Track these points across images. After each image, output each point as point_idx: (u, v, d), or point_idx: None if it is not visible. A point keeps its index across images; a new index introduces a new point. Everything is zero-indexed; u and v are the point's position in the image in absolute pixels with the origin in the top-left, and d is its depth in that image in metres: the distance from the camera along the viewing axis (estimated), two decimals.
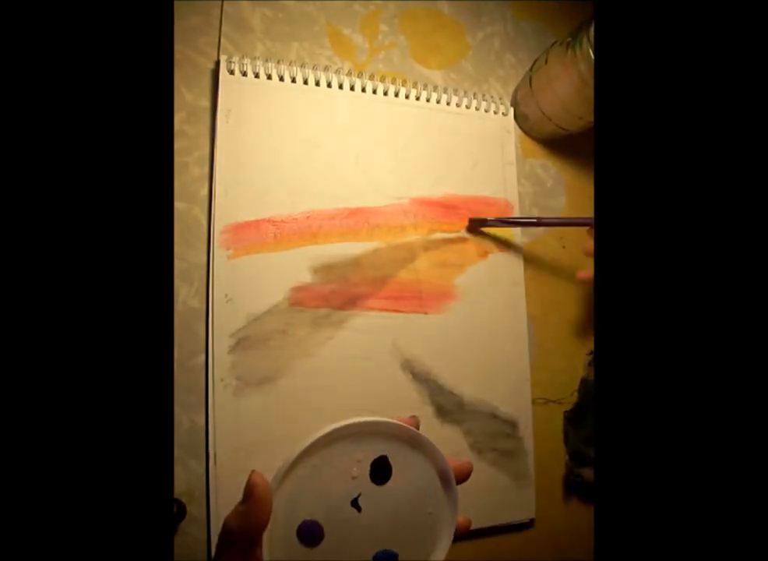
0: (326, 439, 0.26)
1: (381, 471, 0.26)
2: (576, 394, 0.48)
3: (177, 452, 0.35)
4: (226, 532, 0.23)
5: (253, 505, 0.23)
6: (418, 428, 0.27)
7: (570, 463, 0.45)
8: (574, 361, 0.49)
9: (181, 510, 0.35)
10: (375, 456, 0.26)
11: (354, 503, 0.25)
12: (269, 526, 0.23)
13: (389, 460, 0.26)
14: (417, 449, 0.27)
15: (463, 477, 0.28)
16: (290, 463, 0.25)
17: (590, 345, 0.49)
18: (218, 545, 0.23)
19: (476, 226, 0.46)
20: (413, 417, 0.30)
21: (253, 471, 0.25)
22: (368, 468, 0.26)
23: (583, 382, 0.48)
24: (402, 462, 0.26)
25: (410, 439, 0.27)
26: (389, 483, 0.26)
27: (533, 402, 0.46)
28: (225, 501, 0.35)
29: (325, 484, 0.25)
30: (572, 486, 0.46)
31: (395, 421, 0.26)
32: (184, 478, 0.35)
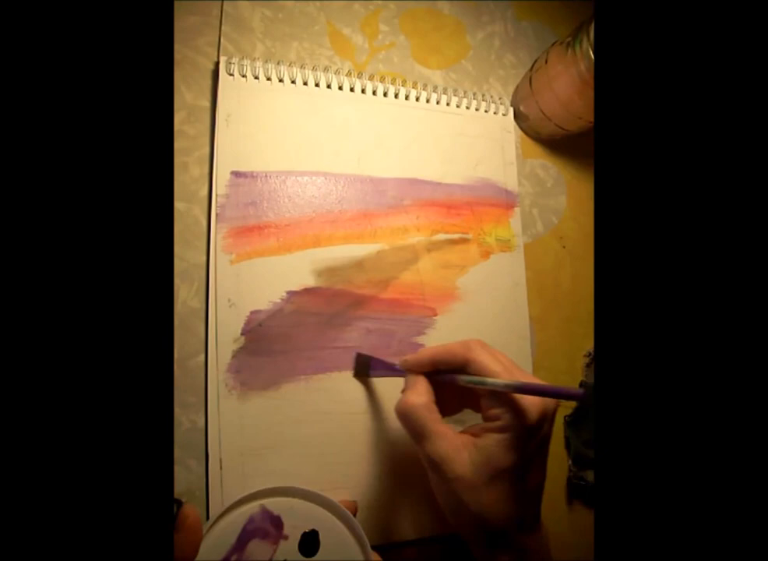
0: (264, 494, 0.26)
1: (310, 543, 0.27)
2: None
3: (177, 452, 0.35)
4: None
5: (184, 535, 0.24)
6: (355, 514, 0.28)
7: (573, 467, 0.45)
8: (574, 362, 0.49)
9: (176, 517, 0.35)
10: (308, 528, 0.27)
11: None
12: None
13: (320, 536, 0.27)
14: (349, 532, 0.27)
15: None
16: (225, 508, 0.26)
17: (590, 345, 0.49)
18: None
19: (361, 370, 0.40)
20: (354, 502, 0.31)
21: (185, 502, 0.26)
22: (298, 538, 0.26)
23: (582, 384, 0.48)
24: (332, 542, 0.27)
25: (343, 519, 0.27)
26: (316, 558, 0.26)
27: None
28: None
29: (255, 539, 0.26)
30: (575, 490, 0.46)
31: (333, 499, 0.27)
32: (184, 478, 0.35)
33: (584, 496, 0.46)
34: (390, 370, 0.37)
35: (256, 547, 0.26)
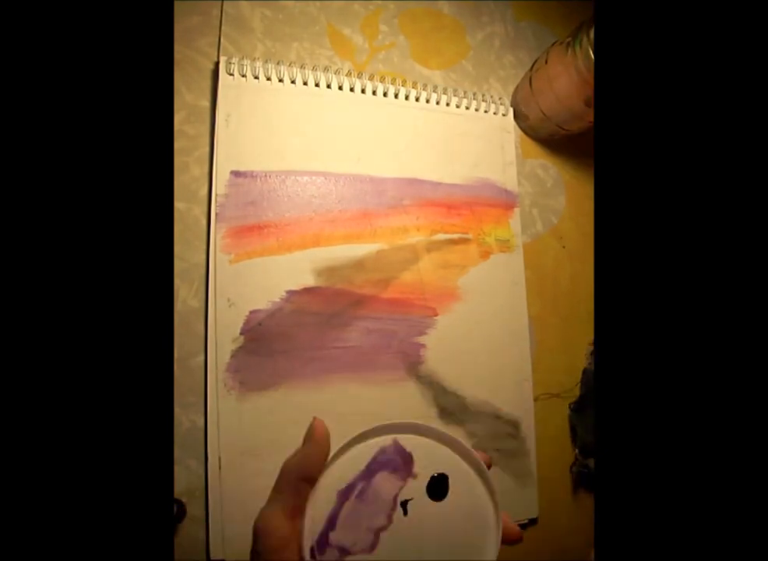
0: (399, 428, 0.26)
1: (438, 487, 0.26)
2: (578, 386, 0.48)
3: (177, 452, 0.35)
4: (284, 470, 0.24)
5: (313, 446, 0.24)
6: (489, 467, 0.27)
7: (579, 456, 0.45)
8: (574, 361, 0.49)
9: (181, 510, 0.35)
10: (438, 471, 0.26)
11: (404, 505, 0.25)
12: (317, 483, 0.23)
13: (449, 481, 0.26)
14: (481, 482, 0.26)
15: (510, 538, 0.27)
16: (358, 435, 0.25)
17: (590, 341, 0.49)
18: (276, 483, 0.24)
19: None
20: (490, 457, 0.29)
21: (315, 417, 0.25)
22: (427, 479, 0.26)
23: (585, 372, 0.48)
24: (462, 489, 0.26)
25: (478, 469, 0.26)
26: (444, 502, 0.26)
27: (537, 399, 0.46)
28: (230, 502, 0.35)
29: (385, 471, 0.25)
30: (579, 478, 0.46)
31: (470, 447, 0.26)
32: (184, 478, 0.35)
33: (588, 483, 0.47)
34: None
35: (384, 479, 0.25)
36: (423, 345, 0.42)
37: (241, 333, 0.37)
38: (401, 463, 0.26)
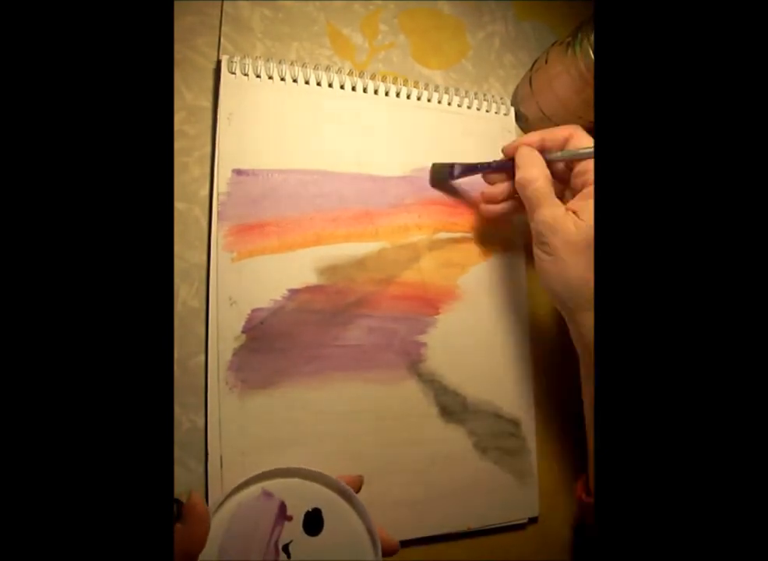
0: (264, 477, 0.26)
1: (314, 522, 0.27)
2: None
3: (177, 452, 0.35)
4: None
5: (193, 524, 0.24)
6: (359, 489, 0.28)
7: None
8: (574, 361, 0.49)
9: (181, 510, 0.35)
10: (310, 507, 0.27)
11: (285, 549, 0.26)
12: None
13: (323, 513, 0.27)
14: (352, 508, 0.28)
15: (388, 551, 0.29)
16: (227, 493, 0.26)
17: None
18: None
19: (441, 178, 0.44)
20: (359, 476, 0.31)
21: (192, 491, 0.26)
22: (302, 517, 0.26)
23: None
24: (336, 518, 0.27)
25: (345, 495, 0.28)
26: (322, 535, 0.26)
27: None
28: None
29: (258, 523, 0.26)
30: None
31: (332, 476, 0.27)
32: (184, 478, 0.35)
33: None
34: (479, 168, 0.42)
35: (261, 530, 0.26)
36: (424, 344, 0.42)
37: (242, 332, 0.37)
38: (274, 509, 0.26)
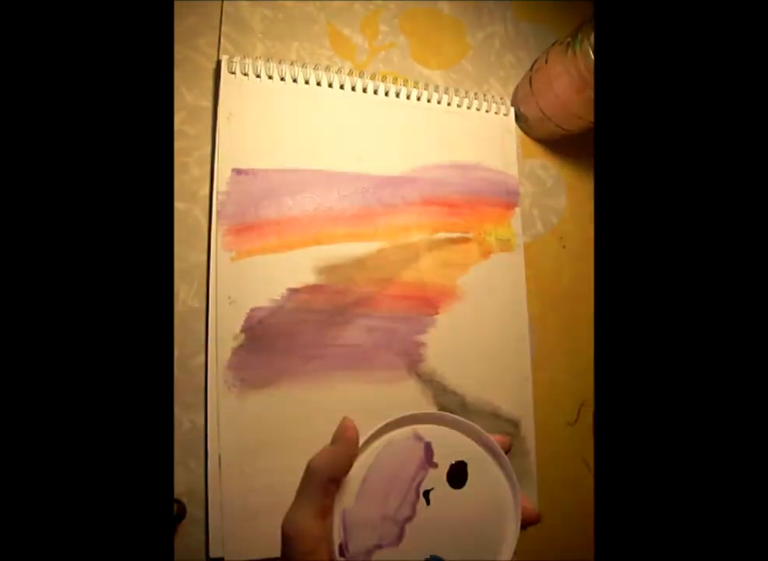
0: (414, 419, 0.26)
1: (458, 474, 0.26)
2: None
3: (177, 452, 0.35)
4: (312, 470, 0.23)
5: (343, 446, 0.24)
6: (508, 451, 0.27)
7: None
8: (573, 361, 0.49)
9: (181, 510, 0.35)
10: (457, 459, 0.26)
11: (426, 495, 0.25)
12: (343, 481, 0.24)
13: (468, 467, 0.26)
14: (499, 468, 0.27)
15: (530, 520, 0.27)
16: (378, 427, 0.25)
17: (590, 345, 0.49)
18: (301, 483, 0.23)
19: None
20: (508, 438, 0.29)
21: (345, 416, 0.25)
22: (447, 467, 0.26)
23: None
24: (481, 476, 0.26)
25: (494, 454, 0.27)
26: (464, 489, 0.26)
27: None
28: (229, 501, 0.35)
29: (405, 463, 0.25)
30: None
31: (487, 434, 0.26)
32: (184, 478, 0.35)
33: None
34: None
35: (406, 471, 0.26)
36: (423, 344, 0.42)
37: (241, 331, 0.37)
38: (421, 453, 0.26)
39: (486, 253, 0.46)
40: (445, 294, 0.44)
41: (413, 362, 0.41)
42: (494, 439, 0.26)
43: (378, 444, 0.26)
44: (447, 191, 0.45)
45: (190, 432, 0.36)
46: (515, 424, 0.44)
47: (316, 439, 0.37)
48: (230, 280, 0.38)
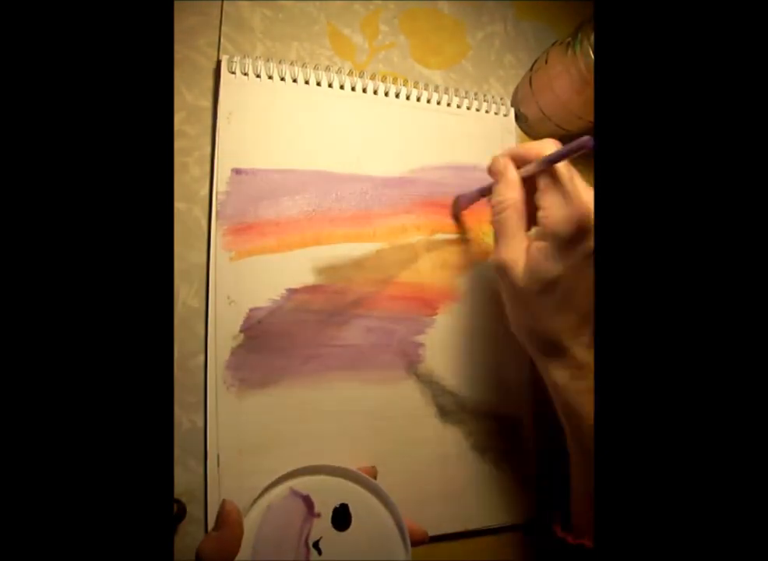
0: (291, 476, 0.26)
1: (342, 517, 0.27)
2: None
3: (177, 452, 0.35)
4: (204, 558, 0.24)
5: (228, 530, 0.25)
6: (375, 478, 0.28)
7: None
8: None
9: (181, 510, 0.35)
10: (338, 503, 0.27)
11: (315, 546, 0.26)
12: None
13: (350, 508, 0.27)
14: (378, 501, 0.28)
15: (417, 540, 0.29)
16: (256, 496, 0.26)
17: None
18: None
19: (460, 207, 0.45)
20: (373, 467, 0.30)
21: (224, 499, 0.26)
22: (330, 513, 0.27)
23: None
24: (364, 513, 0.27)
25: (370, 488, 0.28)
26: (350, 530, 0.27)
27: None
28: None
29: (289, 522, 0.26)
30: None
31: (357, 470, 0.28)
32: (184, 478, 0.35)
33: None
34: (474, 195, 0.42)
35: (291, 528, 0.26)
36: (422, 344, 0.42)
37: (241, 331, 0.37)
38: (302, 507, 0.27)
39: (484, 254, 0.46)
40: (443, 295, 0.44)
41: (411, 363, 0.41)
42: (362, 472, 0.28)
43: (258, 513, 0.27)
44: (446, 192, 0.45)
45: (190, 431, 0.36)
46: (514, 424, 0.44)
47: (315, 439, 0.38)
48: (229, 280, 0.38)
